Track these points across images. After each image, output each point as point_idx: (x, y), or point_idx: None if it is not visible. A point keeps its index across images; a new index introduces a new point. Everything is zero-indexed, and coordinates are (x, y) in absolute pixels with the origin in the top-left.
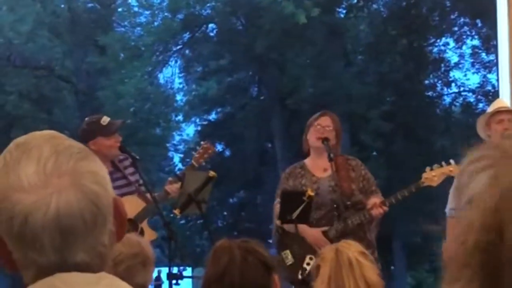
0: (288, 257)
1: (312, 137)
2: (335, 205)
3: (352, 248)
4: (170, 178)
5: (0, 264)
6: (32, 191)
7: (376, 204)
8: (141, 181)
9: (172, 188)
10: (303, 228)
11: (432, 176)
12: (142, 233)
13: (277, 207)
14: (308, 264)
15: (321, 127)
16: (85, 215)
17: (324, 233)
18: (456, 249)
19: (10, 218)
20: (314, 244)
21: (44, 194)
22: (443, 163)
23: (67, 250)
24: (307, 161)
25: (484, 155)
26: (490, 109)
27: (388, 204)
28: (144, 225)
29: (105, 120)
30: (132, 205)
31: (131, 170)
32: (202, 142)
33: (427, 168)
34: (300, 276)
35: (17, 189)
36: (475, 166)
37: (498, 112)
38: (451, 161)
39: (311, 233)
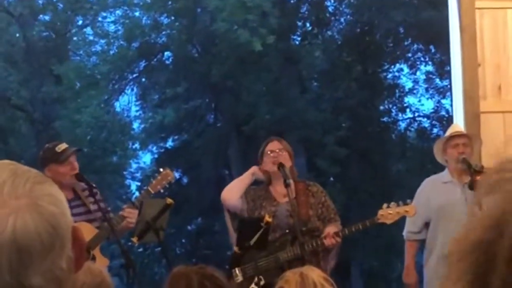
0: (238, 274)
1: (268, 165)
2: (287, 230)
3: (316, 273)
4: (125, 206)
5: None
6: None
7: (329, 234)
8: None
9: (127, 211)
10: None
11: (388, 213)
12: (94, 259)
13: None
14: (256, 284)
15: (272, 151)
16: (43, 236)
17: (276, 256)
18: (457, 243)
19: None
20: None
21: (0, 214)
22: (400, 202)
23: (24, 272)
24: (270, 186)
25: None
26: (446, 134)
27: (341, 235)
28: (96, 251)
29: (61, 147)
30: (84, 232)
31: (92, 199)
32: (161, 169)
33: (384, 205)
34: None
35: None
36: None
37: (453, 136)
38: (408, 201)
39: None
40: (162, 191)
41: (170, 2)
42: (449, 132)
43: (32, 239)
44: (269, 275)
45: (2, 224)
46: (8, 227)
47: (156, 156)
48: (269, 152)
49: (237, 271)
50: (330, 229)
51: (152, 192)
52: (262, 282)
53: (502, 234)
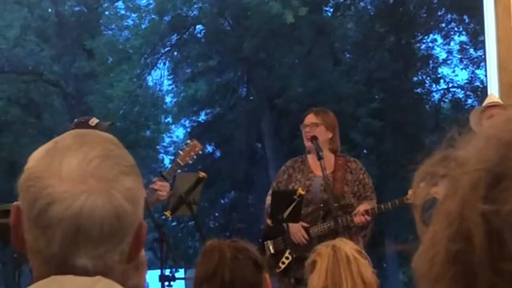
0: (269, 247)
1: (304, 139)
2: (321, 205)
3: (348, 245)
4: (155, 179)
5: (12, 240)
6: (66, 182)
7: (359, 211)
8: None
9: (158, 184)
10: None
11: None
12: None
13: (268, 199)
14: (287, 258)
15: (306, 126)
16: (104, 225)
17: (306, 230)
18: (426, 265)
19: (34, 199)
20: (292, 234)
21: (75, 189)
22: None
23: (73, 249)
24: (309, 156)
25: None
26: (482, 105)
27: (371, 213)
28: None
29: (94, 121)
30: None
31: None
32: (188, 140)
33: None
34: (277, 269)
35: (54, 174)
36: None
37: (488, 107)
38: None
39: (294, 225)
40: (191, 162)
41: None
42: (485, 103)
43: (94, 224)
44: (301, 249)
45: (72, 198)
46: (76, 203)
47: (188, 130)
48: (304, 126)
49: (269, 244)
50: (362, 206)
51: (182, 164)
52: (293, 256)
53: (470, 240)
